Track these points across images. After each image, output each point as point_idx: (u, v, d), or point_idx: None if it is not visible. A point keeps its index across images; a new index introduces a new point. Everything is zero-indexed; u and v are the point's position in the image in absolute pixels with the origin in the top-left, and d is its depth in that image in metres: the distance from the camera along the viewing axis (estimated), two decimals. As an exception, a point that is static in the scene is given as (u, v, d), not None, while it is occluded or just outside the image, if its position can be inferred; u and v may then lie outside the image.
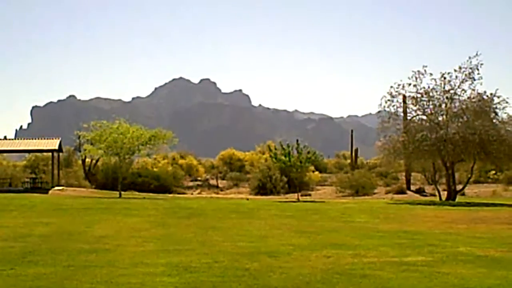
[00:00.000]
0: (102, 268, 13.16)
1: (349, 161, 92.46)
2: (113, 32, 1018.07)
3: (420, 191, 65.34)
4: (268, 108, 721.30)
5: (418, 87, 46.26)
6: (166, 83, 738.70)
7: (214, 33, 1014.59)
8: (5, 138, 77.43)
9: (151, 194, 60.45)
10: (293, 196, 55.72)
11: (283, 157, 50.38)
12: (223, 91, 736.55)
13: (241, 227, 23.62)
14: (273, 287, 11.43)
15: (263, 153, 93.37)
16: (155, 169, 77.27)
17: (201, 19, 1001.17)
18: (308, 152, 50.61)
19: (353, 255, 15.57)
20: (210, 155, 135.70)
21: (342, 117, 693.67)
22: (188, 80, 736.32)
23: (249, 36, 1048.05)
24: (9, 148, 64.51)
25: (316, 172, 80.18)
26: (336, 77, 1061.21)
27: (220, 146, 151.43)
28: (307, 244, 17.96)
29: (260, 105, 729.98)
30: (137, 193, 60.70)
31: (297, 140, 52.86)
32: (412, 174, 69.65)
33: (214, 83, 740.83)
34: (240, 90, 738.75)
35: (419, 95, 46.37)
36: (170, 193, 67.95)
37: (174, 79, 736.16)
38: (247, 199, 51.58)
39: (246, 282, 11.80)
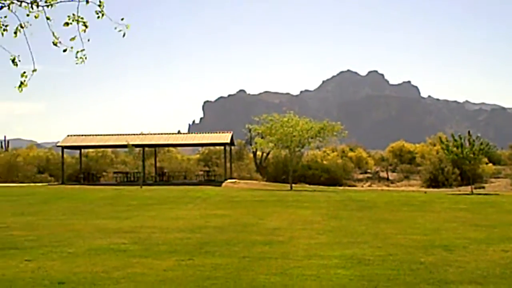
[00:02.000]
0: (277, 260, 13.30)
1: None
2: (279, 26, 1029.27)
3: None
4: (437, 99, 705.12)
5: None
6: (333, 76, 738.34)
7: (380, 24, 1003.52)
8: (179, 132, 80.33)
9: (321, 186, 60.57)
10: (466, 189, 54.09)
11: (455, 149, 49.02)
12: (391, 82, 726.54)
13: (414, 220, 23.19)
14: (449, 281, 11.13)
15: (434, 145, 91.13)
16: (324, 162, 77.32)
17: (369, 10, 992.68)
18: (481, 144, 48.95)
19: (534, 250, 14.90)
20: (379, 147, 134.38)
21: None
22: (356, 73, 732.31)
23: (417, 27, 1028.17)
24: (183, 142, 66.77)
25: (490, 164, 77.35)
26: (508, 65, 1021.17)
27: (389, 138, 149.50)
28: (483, 238, 17.36)
29: (429, 96, 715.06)
30: (307, 185, 61.05)
31: (469, 132, 51.21)
32: None
33: (382, 75, 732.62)
34: (409, 82, 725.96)
35: None
36: (340, 185, 67.84)
37: (341, 72, 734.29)
38: (425, 192, 50.54)
39: (421, 276, 11.57)
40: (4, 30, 8.07)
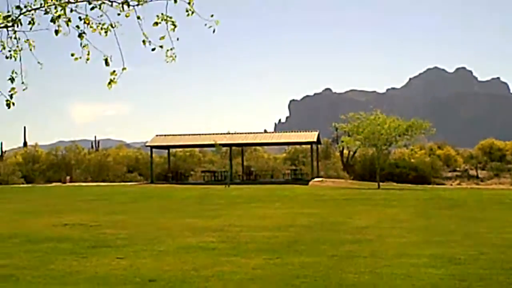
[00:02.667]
0: (366, 259, 13.19)
1: None
2: (366, 23, 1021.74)
3: None
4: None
5: None
6: (420, 73, 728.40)
7: (468, 20, 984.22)
8: (265, 131, 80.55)
9: (409, 185, 59.88)
10: (561, 187, 52.58)
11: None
12: (479, 79, 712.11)
13: (506, 218, 22.66)
14: (546, 282, 10.82)
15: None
16: (412, 160, 76.41)
17: (455, 7, 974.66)
18: None
19: None
20: (467, 145, 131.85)
21: None
22: (443, 69, 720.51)
23: (506, 21, 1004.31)
24: (269, 141, 66.93)
25: None
26: None
27: (478, 135, 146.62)
28: None
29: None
30: (395, 184, 60.47)
31: None
32: None
33: (470, 71, 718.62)
34: (498, 78, 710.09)
35: None
36: (428, 183, 66.91)
37: (428, 69, 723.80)
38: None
39: (515, 276, 11.29)
40: (102, 29, 8.24)
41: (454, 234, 17.61)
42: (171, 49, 8.19)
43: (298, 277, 11.29)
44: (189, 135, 66.43)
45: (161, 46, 8.13)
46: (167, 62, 8.27)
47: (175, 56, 8.27)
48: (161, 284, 10.92)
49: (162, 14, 8.04)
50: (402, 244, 15.50)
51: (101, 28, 8.21)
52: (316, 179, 57.27)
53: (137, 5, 8.05)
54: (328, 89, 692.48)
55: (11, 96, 7.91)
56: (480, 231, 18.38)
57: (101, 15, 8.13)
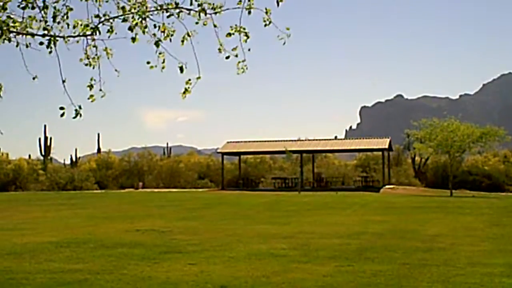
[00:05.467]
0: (438, 267, 13.03)
1: None
2: (437, 27, 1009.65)
3: None
4: None
5: None
6: (494, 79, 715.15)
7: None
8: (335, 138, 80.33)
9: (482, 192, 58.90)
10: None
11: None
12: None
13: None
14: None
15: None
16: (485, 167, 75.06)
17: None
18: None
19: None
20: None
21: None
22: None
23: None
24: (340, 147, 66.79)
25: None
26: None
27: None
28: None
29: None
30: (468, 191, 59.53)
31: None
32: None
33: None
34: None
35: None
36: (502, 191, 65.70)
37: (503, 75, 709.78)
38: None
39: None
40: (170, 36, 8.41)
41: (530, 243, 17.25)
42: (242, 61, 8.30)
43: (369, 285, 11.24)
44: (260, 141, 66.74)
45: (236, 55, 8.25)
46: (238, 74, 8.39)
47: (246, 68, 8.38)
48: (232, 290, 11.01)
49: (235, 25, 8.15)
50: (475, 252, 15.26)
51: (170, 35, 8.39)
52: (387, 186, 56.87)
53: (215, 13, 8.18)
54: (399, 96, 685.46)
55: (79, 107, 8.09)
56: (557, 240, 17.96)
57: (173, 22, 8.31)
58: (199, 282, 11.68)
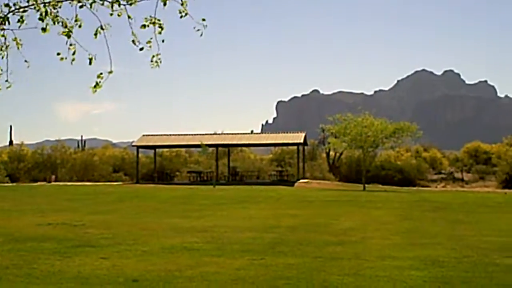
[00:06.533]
0: (350, 260, 13.21)
1: None
2: (354, 24, 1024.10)
3: None
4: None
5: None
6: (408, 76, 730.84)
7: (456, 23, 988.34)
8: (252, 132, 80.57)
9: (394, 187, 60.08)
10: (545, 190, 52.90)
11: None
12: (467, 82, 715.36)
13: (490, 221, 22.75)
14: (527, 285, 10.87)
15: (511, 146, 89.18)
16: (398, 162, 76.66)
17: (444, 9, 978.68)
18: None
19: None
20: (454, 148, 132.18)
21: None
22: (431, 72, 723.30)
23: (494, 24, 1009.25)
24: (256, 142, 67.04)
25: None
26: None
27: (464, 138, 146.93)
28: None
29: (506, 96, 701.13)
30: (380, 186, 60.62)
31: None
32: None
33: (458, 74, 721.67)
34: (485, 81, 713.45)
35: None
36: (413, 186, 67.18)
37: (416, 71, 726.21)
38: (505, 193, 49.53)
39: (497, 278, 11.33)
40: (80, 26, 8.22)
41: (438, 236, 17.66)
42: (157, 54, 8.19)
43: (281, 278, 11.29)
44: (175, 135, 66.42)
45: (150, 46, 8.12)
46: (152, 67, 8.27)
47: (160, 62, 8.27)
48: (145, 284, 10.90)
49: (150, 16, 8.02)
50: (386, 246, 15.53)
51: (80, 26, 8.20)
52: (301, 181, 57.37)
53: (129, 4, 8.03)
54: (315, 91, 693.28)
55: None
56: (464, 233, 18.43)
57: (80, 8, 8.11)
58: (111, 276, 11.54)
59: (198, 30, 8.01)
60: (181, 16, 7.97)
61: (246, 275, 11.63)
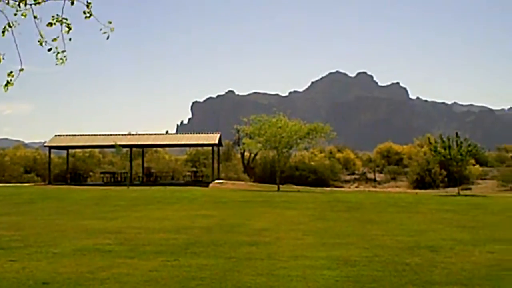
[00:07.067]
0: (263, 261, 13.27)
1: (511, 154, 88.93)
2: (268, 25, 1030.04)
3: None
4: (426, 101, 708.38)
5: None
6: (322, 77, 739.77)
7: (369, 25, 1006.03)
8: (167, 133, 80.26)
9: (308, 187, 60.67)
10: (453, 190, 54.34)
11: (443, 150, 49.07)
12: (379, 84, 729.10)
13: (401, 221, 23.22)
14: (435, 283, 11.12)
15: (422, 147, 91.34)
16: (312, 163, 77.39)
17: (358, 11, 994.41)
18: (469, 145, 48.99)
19: (520, 252, 14.93)
20: (367, 149, 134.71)
21: (503, 109, 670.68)
22: (345, 74, 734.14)
23: (406, 28, 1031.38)
24: (171, 142, 66.75)
25: (477, 166, 77.42)
26: (497, 67, 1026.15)
27: (377, 139, 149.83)
28: (469, 239, 17.38)
29: (417, 97, 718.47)
30: (294, 186, 61.09)
31: (457, 133, 51.18)
32: None
33: (371, 76, 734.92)
34: (398, 83, 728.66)
35: None
36: (327, 186, 67.96)
37: (330, 73, 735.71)
38: (416, 193, 50.65)
39: (407, 277, 11.56)
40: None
41: (351, 236, 17.91)
42: (62, 51, 8.07)
43: (194, 279, 11.26)
44: (89, 135, 65.50)
45: (56, 47, 8.00)
46: (57, 64, 8.15)
47: (66, 59, 8.15)
48: (55, 287, 10.70)
49: (57, 15, 7.90)
50: (299, 246, 15.67)
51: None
52: (216, 181, 57.40)
53: (35, 4, 7.88)
54: (231, 91, 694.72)
55: None
56: (375, 233, 18.75)
57: None
58: (20, 279, 11.29)
59: (105, 32, 7.94)
60: (86, 17, 7.89)
61: (159, 276, 11.56)
